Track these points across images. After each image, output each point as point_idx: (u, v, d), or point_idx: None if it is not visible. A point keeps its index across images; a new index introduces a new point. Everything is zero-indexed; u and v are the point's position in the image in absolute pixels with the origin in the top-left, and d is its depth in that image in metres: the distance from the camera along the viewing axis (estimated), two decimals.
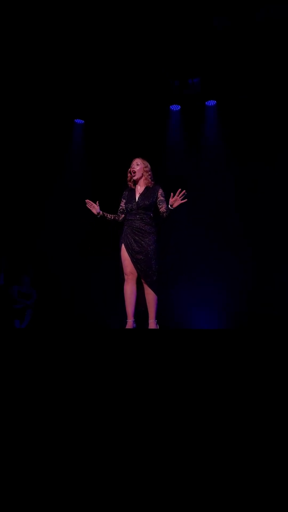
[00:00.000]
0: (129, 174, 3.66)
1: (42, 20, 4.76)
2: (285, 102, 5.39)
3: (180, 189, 3.44)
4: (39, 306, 5.55)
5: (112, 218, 3.69)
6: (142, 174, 3.62)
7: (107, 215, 3.67)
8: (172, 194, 3.46)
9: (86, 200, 3.67)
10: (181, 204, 3.47)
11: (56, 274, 5.69)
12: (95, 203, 3.65)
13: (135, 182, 3.65)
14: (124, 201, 3.66)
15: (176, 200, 3.45)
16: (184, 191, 3.43)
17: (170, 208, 3.47)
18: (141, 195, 3.58)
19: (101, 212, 3.65)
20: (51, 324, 5.43)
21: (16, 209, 5.90)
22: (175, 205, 3.46)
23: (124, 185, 3.74)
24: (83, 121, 6.16)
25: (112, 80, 5.57)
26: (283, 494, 1.21)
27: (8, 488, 1.27)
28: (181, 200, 3.44)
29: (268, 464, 1.33)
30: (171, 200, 3.46)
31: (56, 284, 5.69)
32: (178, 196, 3.44)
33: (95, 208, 3.65)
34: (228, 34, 4.89)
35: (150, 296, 3.52)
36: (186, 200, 3.44)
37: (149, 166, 3.66)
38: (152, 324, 3.52)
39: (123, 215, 3.67)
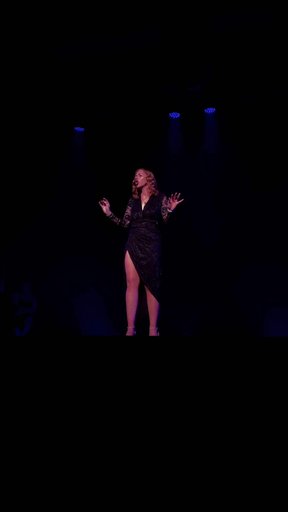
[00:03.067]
0: (133, 186, 3.70)
1: (42, 24, 4.79)
2: (285, 105, 5.40)
3: (175, 193, 3.50)
4: (39, 314, 5.54)
5: (118, 222, 3.71)
6: (146, 183, 3.65)
7: (114, 218, 3.70)
8: (169, 199, 3.51)
9: (103, 199, 3.68)
10: (180, 206, 3.52)
11: (56, 280, 5.68)
12: (107, 202, 3.68)
13: (140, 192, 3.69)
14: (130, 208, 3.69)
15: (173, 202, 3.50)
16: (179, 193, 3.49)
17: (170, 212, 3.52)
18: (147, 204, 3.62)
19: (110, 212, 3.67)
20: (51, 331, 5.42)
21: (16, 216, 5.92)
22: (173, 207, 3.50)
23: (127, 194, 3.76)
24: (83, 129, 6.20)
25: (112, 87, 5.60)
26: (278, 492, 1.20)
27: (10, 488, 1.25)
28: (178, 200, 3.49)
29: (263, 464, 1.32)
30: (168, 204, 3.53)
31: (56, 291, 5.68)
32: (172, 198, 3.49)
33: (106, 207, 3.66)
34: (228, 36, 4.89)
35: (152, 303, 3.52)
36: (182, 200, 3.51)
37: (152, 175, 3.71)
38: (152, 331, 3.51)
39: (128, 221, 3.69)
